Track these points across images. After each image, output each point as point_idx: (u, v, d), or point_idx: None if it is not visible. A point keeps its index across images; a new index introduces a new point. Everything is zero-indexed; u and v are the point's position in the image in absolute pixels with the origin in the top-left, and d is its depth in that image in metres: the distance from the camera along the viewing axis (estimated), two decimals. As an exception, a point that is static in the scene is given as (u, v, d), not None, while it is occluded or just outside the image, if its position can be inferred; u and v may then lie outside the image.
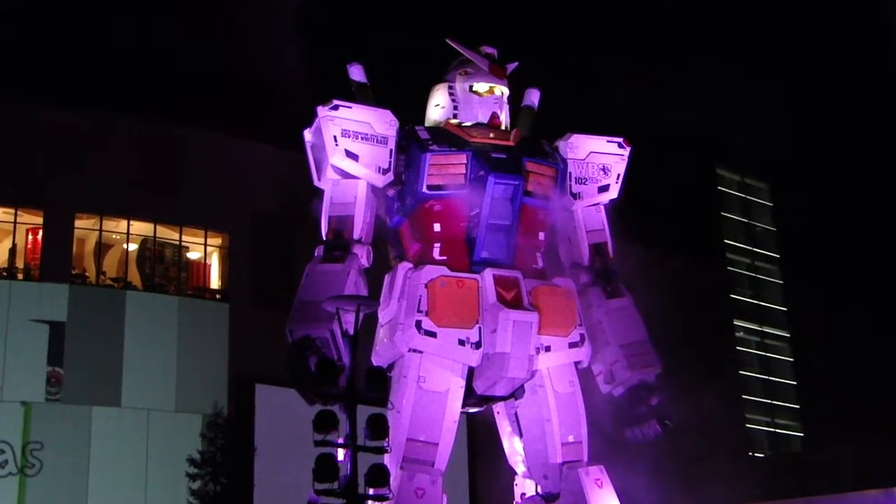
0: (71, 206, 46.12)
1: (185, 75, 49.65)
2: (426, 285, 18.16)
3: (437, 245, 18.79)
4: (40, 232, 45.95)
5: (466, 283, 18.27)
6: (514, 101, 20.39)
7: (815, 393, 71.67)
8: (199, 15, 51.99)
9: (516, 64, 20.04)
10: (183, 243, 48.76)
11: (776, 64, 73.18)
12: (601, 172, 20.40)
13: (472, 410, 19.67)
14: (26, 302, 44.16)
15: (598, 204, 20.50)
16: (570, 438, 18.80)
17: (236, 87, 49.71)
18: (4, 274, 45.51)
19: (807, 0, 73.45)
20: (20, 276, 45.65)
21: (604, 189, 20.41)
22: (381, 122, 18.98)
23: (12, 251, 45.82)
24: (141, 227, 47.85)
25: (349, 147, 18.72)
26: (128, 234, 47.66)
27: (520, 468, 19.40)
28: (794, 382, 75.36)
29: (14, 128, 45.39)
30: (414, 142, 19.06)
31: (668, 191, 61.83)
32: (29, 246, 46.21)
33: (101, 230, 47.20)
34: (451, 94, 19.77)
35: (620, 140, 20.73)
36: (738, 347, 72.24)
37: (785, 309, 77.21)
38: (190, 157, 48.21)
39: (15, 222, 45.84)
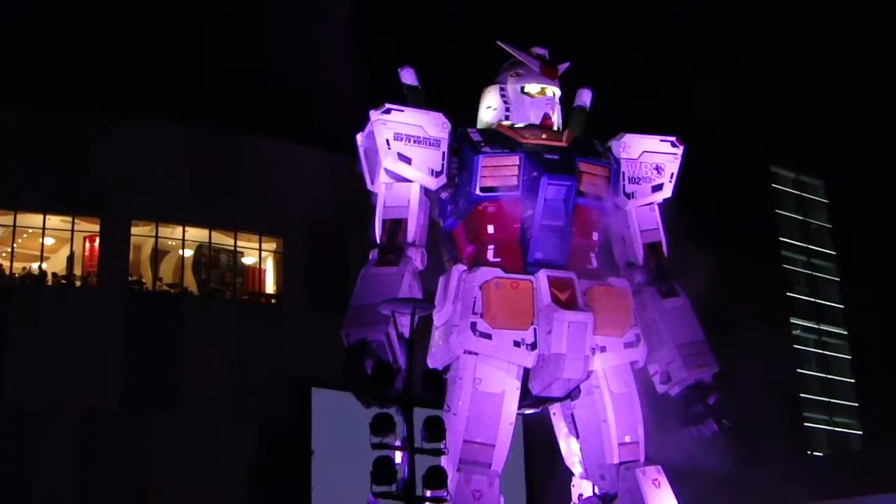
0: (127, 213, 46.48)
1: (238, 81, 49.99)
2: (481, 287, 18.10)
3: (490, 247, 18.72)
4: (97, 239, 46.36)
5: (521, 285, 18.20)
6: (567, 101, 20.33)
7: (874, 391, 71.11)
8: (251, 21, 52.31)
9: (568, 64, 19.92)
10: (238, 248, 49.01)
11: (830, 60, 72.64)
12: (654, 171, 20.21)
13: (528, 412, 19.56)
14: (84, 309, 44.53)
15: (651, 203, 20.34)
16: (627, 439, 18.70)
17: (289, 93, 49.96)
18: (63, 281, 46.00)
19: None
20: (78, 283, 46.12)
21: (657, 188, 20.21)
22: (434, 124, 18.92)
23: (70, 259, 46.27)
24: (196, 233, 48.19)
25: (401, 150, 18.68)
26: (183, 240, 47.97)
27: (577, 469, 19.34)
28: (853, 380, 74.80)
29: (70, 137, 45.80)
30: (466, 144, 18.99)
31: (722, 189, 61.51)
32: (86, 253, 46.64)
33: (157, 237, 47.49)
34: (502, 95, 19.68)
35: (674, 139, 20.53)
36: (796, 346, 71.79)
37: (842, 306, 76.64)
38: (244, 163, 48.36)
39: (73, 230, 46.27)
